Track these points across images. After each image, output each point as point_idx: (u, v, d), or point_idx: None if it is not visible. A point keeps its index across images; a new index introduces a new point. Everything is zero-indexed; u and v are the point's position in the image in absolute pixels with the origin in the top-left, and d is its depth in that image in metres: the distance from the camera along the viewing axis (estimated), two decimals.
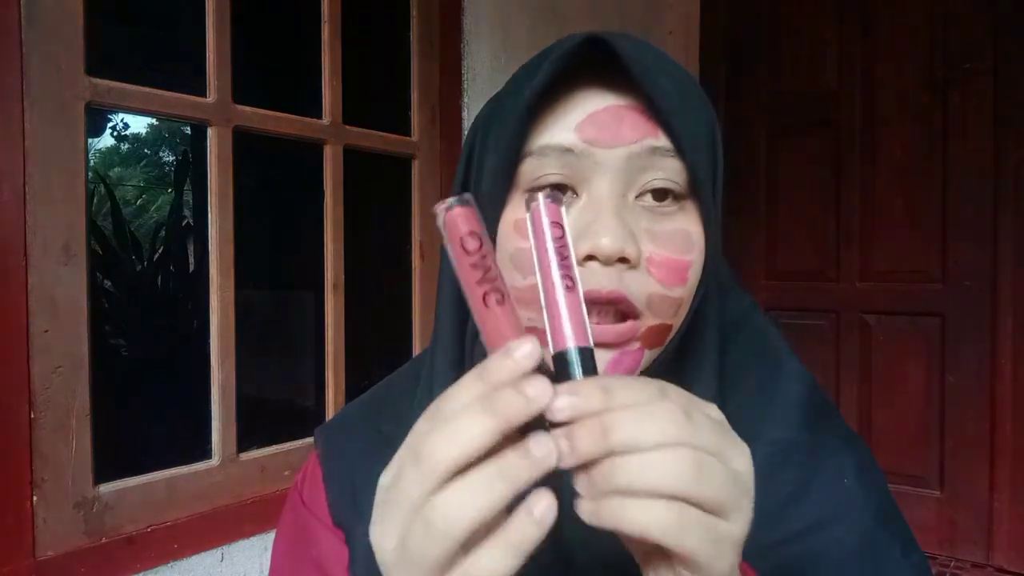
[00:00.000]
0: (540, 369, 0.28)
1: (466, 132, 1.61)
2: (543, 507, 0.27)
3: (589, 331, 0.31)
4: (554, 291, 0.31)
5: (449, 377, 0.46)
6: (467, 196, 0.31)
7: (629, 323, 0.41)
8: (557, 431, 0.28)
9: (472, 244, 0.30)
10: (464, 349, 0.47)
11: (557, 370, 0.30)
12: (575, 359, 0.30)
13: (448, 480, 0.27)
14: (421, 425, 0.29)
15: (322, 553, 0.49)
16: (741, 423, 0.45)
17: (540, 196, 0.33)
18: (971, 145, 2.20)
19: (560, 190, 0.42)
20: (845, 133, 2.43)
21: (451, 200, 0.31)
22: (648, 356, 0.42)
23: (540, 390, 0.27)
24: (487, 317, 0.30)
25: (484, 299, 0.29)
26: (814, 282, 2.51)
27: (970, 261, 2.21)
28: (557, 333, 0.31)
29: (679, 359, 0.45)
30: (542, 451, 0.27)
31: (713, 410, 0.31)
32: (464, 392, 0.28)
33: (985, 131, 2.17)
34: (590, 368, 0.30)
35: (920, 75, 2.28)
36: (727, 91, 2.65)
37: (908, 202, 2.32)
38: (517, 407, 0.27)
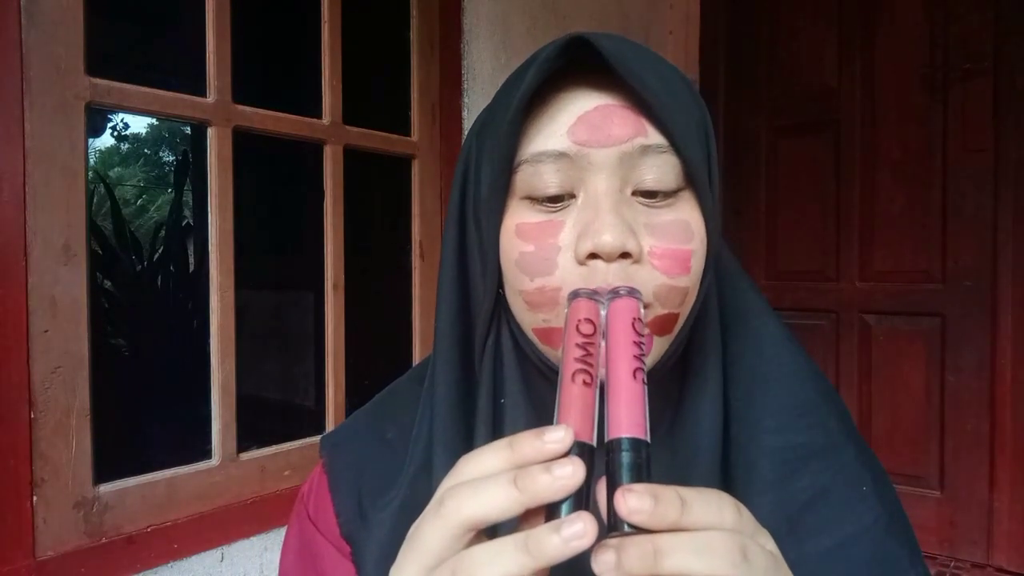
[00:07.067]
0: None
1: (466, 132, 1.61)
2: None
3: (648, 424, 0.31)
4: (621, 380, 0.32)
5: (451, 389, 0.46)
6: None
7: None
8: (607, 542, 0.28)
9: (587, 328, 0.34)
10: (471, 360, 0.47)
11: (609, 456, 0.31)
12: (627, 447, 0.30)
13: (467, 537, 0.28)
14: (446, 482, 0.30)
15: (327, 571, 0.49)
16: (744, 420, 0.45)
17: (623, 291, 0.37)
18: (971, 145, 2.19)
19: (558, 199, 0.41)
20: (845, 133, 2.43)
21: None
22: (659, 344, 0.42)
23: (569, 472, 0.28)
24: (569, 392, 0.32)
25: (573, 376, 0.32)
26: (814, 282, 2.51)
27: (970, 261, 2.21)
28: (615, 419, 0.31)
29: (686, 351, 0.45)
30: (573, 532, 0.27)
31: (769, 542, 0.30)
32: (491, 459, 0.30)
33: (985, 131, 2.17)
34: (644, 459, 0.30)
35: (920, 75, 2.28)
36: (727, 91, 2.65)
37: (908, 202, 2.32)
38: (544, 485, 0.28)
